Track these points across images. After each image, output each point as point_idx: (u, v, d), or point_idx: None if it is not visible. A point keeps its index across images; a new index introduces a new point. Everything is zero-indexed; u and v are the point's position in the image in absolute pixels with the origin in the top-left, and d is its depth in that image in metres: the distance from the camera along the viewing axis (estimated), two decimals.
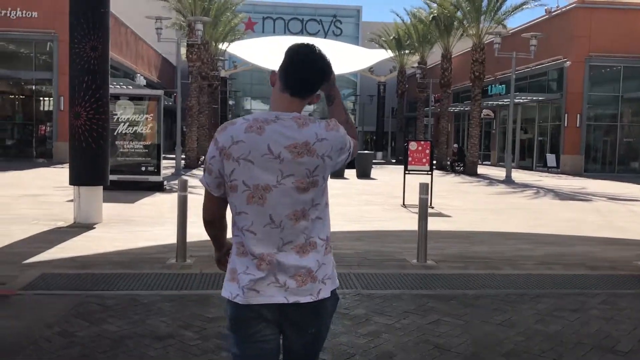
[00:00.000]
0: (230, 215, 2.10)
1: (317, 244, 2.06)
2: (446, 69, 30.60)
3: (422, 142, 13.27)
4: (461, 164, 28.40)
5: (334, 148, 2.04)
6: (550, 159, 29.42)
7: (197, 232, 8.40)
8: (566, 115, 28.63)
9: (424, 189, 6.62)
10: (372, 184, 19.49)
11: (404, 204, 13.03)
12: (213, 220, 2.18)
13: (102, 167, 9.21)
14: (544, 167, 30.13)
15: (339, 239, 7.97)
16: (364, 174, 22.86)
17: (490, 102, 32.93)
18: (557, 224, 10.62)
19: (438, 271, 6.34)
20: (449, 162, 29.82)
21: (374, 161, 26.76)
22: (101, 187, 9.36)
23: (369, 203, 13.38)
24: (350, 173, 23.43)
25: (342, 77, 58.03)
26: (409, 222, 10.15)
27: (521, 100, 32.19)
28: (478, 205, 13.67)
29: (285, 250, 2.02)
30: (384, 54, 42.87)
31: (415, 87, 38.26)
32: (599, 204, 14.77)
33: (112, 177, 14.30)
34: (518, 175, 23.55)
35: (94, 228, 8.64)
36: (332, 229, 2.18)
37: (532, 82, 32.27)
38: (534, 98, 30.59)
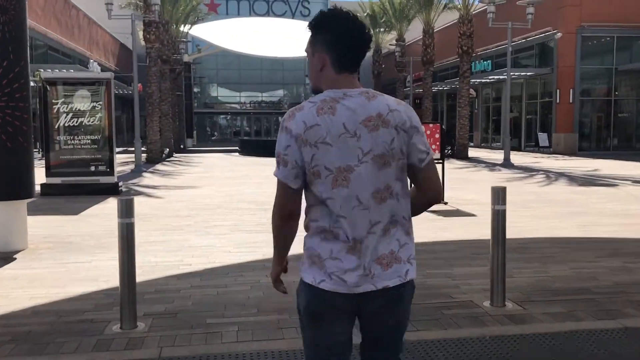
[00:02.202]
0: (309, 203, 1.96)
1: (399, 223, 1.96)
2: (428, 45, 28.40)
3: (431, 125, 11.02)
4: (448, 146, 26.34)
5: (407, 122, 1.93)
6: (543, 138, 27.59)
7: (153, 262, 6.11)
8: (558, 91, 26.79)
9: (499, 195, 4.35)
10: None
11: None
12: (293, 215, 1.99)
13: (23, 174, 6.71)
14: (534, 146, 28.33)
15: None
16: None
17: (473, 80, 30.95)
18: (609, 221, 8.53)
19: (535, 326, 4.06)
20: None
21: None
22: (24, 201, 6.87)
23: None
24: None
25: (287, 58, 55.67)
26: (433, 228, 7.92)
27: (502, 77, 30.29)
28: None
29: (374, 232, 1.91)
30: None
31: (392, 66, 36.03)
32: (629, 189, 12.80)
33: (52, 180, 11.77)
34: (513, 157, 21.63)
35: (13, 259, 6.19)
36: None
37: (519, 57, 30.32)
38: (523, 74, 28.65)
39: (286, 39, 46.49)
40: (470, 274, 5.39)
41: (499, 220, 4.35)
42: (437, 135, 10.96)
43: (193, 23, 34.61)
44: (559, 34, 26.10)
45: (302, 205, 1.99)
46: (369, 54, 42.03)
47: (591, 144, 27.67)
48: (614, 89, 27.74)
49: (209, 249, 6.70)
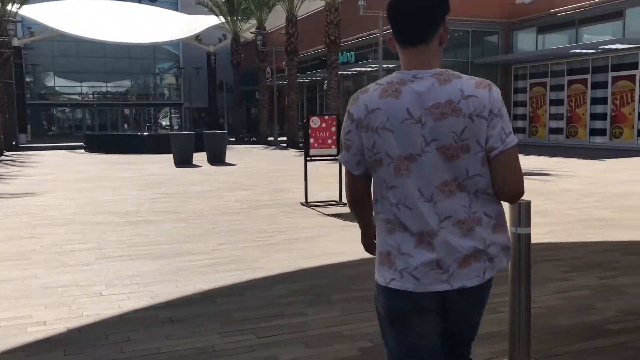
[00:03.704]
0: (374, 194, 1.87)
1: (482, 220, 1.79)
2: (292, 34, 27.21)
3: (327, 117, 9.72)
4: None
5: (486, 108, 1.73)
6: None
7: None
8: None
9: (522, 213, 3.07)
10: (234, 172, 15.54)
11: (306, 202, 9.46)
12: (359, 199, 1.97)
13: None
14: None
15: (282, 296, 4.23)
16: (217, 159, 18.76)
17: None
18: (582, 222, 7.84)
19: None
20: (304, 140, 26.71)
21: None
22: None
23: (255, 203, 9.56)
24: (199, 158, 19.17)
25: (160, 48, 52.28)
26: (347, 236, 6.58)
27: (368, 70, 30.17)
28: None
29: (445, 227, 1.76)
30: (213, 20, 38.25)
31: (253, 56, 34.39)
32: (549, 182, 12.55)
33: None
34: None
35: None
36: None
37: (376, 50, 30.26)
38: (385, 66, 28.54)
39: (133, 23, 42.83)
40: None
41: (521, 249, 3.08)
42: (334, 129, 9.70)
43: (23, 2, 30.17)
44: None
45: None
46: (226, 42, 40.10)
47: None
48: None
49: (68, 291, 4.76)
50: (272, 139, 31.15)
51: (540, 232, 6.72)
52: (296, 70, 28.48)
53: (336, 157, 9.74)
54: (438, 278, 1.77)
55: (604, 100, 22.80)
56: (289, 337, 3.70)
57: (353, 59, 29.88)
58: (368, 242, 2.10)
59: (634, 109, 21.56)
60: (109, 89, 52.75)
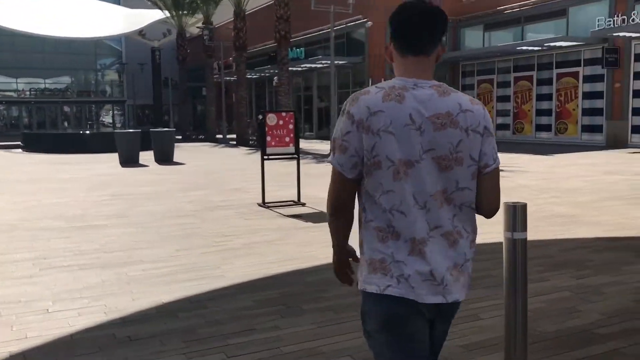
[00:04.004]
0: (364, 200, 1.82)
1: (462, 234, 1.81)
2: (240, 29, 26.65)
3: (284, 114, 9.38)
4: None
5: (481, 125, 1.79)
6: None
7: None
8: (370, 80, 26.99)
9: (517, 217, 2.84)
10: (184, 171, 15.00)
11: (263, 202, 9.12)
12: (345, 206, 1.85)
13: None
14: None
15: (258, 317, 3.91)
16: (164, 158, 18.12)
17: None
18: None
19: None
20: (254, 138, 26.19)
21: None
22: None
23: (209, 204, 9.15)
24: (145, 157, 18.47)
25: (102, 43, 50.48)
26: (311, 238, 6.30)
27: (319, 66, 29.97)
28: None
29: (434, 236, 1.77)
30: (158, 14, 37.15)
31: (200, 52, 33.56)
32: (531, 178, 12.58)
33: None
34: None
35: None
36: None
37: (329, 46, 30.07)
38: (338, 62, 28.37)
39: (73, 17, 41.17)
40: None
41: (517, 255, 2.86)
42: (291, 126, 9.38)
43: None
44: (370, 23, 26.24)
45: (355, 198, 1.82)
46: (171, 37, 39.05)
47: None
48: None
49: (10, 309, 4.28)
50: (220, 136, 30.50)
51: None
52: (245, 66, 27.93)
53: (294, 156, 9.44)
54: (433, 290, 1.77)
55: (549, 97, 23.34)
56: (263, 356, 3.39)
57: (303, 55, 29.55)
58: (344, 259, 1.99)
59: (577, 105, 22.16)
60: (47, 85, 50.55)
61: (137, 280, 4.99)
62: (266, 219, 8.00)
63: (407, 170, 1.74)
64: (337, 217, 1.89)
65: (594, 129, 21.65)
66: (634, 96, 20.08)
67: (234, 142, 28.08)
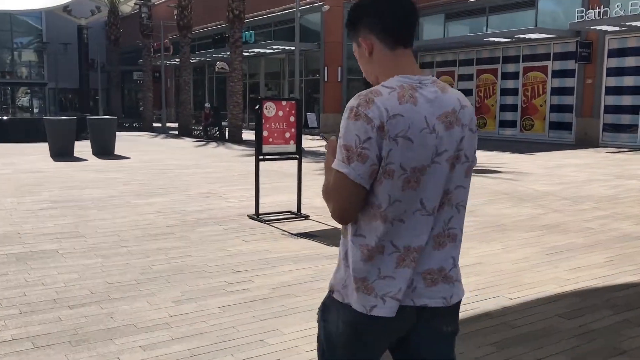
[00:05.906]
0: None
1: (456, 237, 1.69)
2: (185, 7, 24.11)
3: (285, 103, 7.42)
4: (216, 128, 22.81)
5: (473, 121, 1.68)
6: (311, 118, 25.64)
7: None
8: (326, 68, 25.24)
9: None
10: (132, 168, 12.65)
11: (257, 214, 7.17)
12: (352, 219, 1.63)
13: None
14: (303, 127, 26.50)
15: None
16: (104, 150, 15.60)
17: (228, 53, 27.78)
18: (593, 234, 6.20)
19: None
20: (201, 127, 23.79)
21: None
22: None
23: (185, 216, 7.08)
24: (81, 149, 15.86)
25: (18, 18, 45.91)
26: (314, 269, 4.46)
27: (268, 51, 27.88)
28: None
29: (429, 241, 1.63)
30: None
31: (134, 32, 30.59)
32: (522, 181, 11.11)
33: None
34: None
35: None
36: None
37: (281, 30, 28.05)
38: (288, 48, 26.43)
39: None
40: None
41: None
42: (293, 119, 7.45)
43: None
44: (326, 7, 24.42)
45: None
46: (101, 14, 35.63)
47: None
48: None
49: None
50: (159, 125, 27.84)
51: (601, 261, 5.04)
52: (189, 48, 25.42)
53: (296, 156, 7.53)
54: (405, 294, 1.61)
55: (514, 92, 22.41)
56: None
57: (253, 39, 27.33)
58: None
59: (545, 101, 21.31)
60: None
61: None
62: (272, 240, 6.07)
63: (419, 177, 1.56)
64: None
65: (562, 126, 20.87)
66: (606, 93, 19.38)
67: (176, 132, 25.58)
